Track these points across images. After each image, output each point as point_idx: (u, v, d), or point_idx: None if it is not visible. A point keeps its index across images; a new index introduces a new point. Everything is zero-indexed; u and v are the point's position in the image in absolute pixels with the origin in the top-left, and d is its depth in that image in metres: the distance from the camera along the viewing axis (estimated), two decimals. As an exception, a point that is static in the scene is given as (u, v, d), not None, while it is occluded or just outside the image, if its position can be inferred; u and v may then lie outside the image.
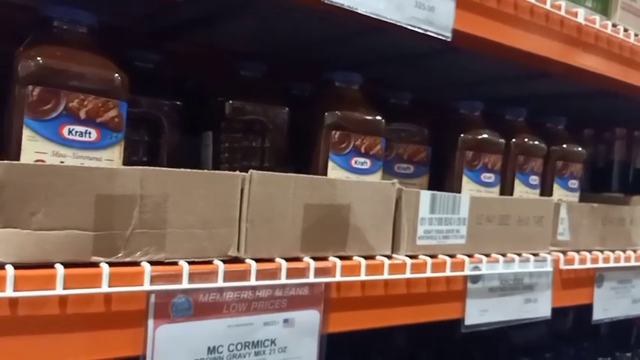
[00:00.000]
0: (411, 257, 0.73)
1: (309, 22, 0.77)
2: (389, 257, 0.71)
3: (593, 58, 0.92)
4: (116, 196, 0.52)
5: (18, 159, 0.52)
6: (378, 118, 0.77)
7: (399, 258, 0.72)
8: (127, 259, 0.53)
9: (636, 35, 0.96)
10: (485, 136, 0.90)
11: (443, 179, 0.89)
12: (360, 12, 0.65)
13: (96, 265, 0.52)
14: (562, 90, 1.12)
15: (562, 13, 0.85)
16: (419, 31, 0.70)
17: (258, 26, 0.83)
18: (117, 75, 0.55)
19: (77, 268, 0.50)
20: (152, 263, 0.54)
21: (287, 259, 0.62)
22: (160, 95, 0.69)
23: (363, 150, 0.75)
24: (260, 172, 0.61)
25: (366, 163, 0.75)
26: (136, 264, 0.54)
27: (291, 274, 0.61)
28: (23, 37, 0.57)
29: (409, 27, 0.69)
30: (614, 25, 0.93)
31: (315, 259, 0.64)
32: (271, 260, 0.62)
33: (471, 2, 0.75)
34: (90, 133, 0.53)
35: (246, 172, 0.60)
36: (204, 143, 0.72)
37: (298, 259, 0.64)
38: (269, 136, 0.72)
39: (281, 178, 0.62)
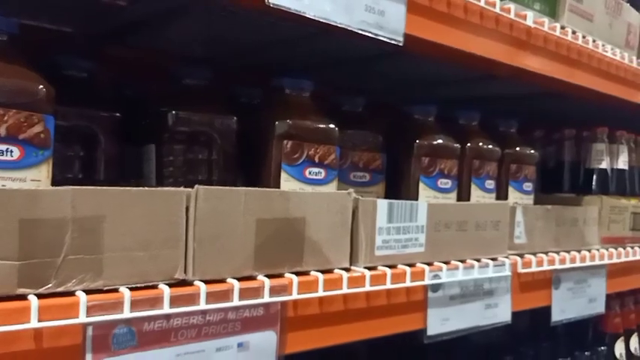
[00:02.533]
0: (370, 269, 0.70)
1: (257, 26, 0.74)
2: (347, 270, 0.69)
3: (543, 60, 0.92)
4: (44, 220, 0.47)
5: None
6: (331, 125, 0.74)
7: (358, 270, 0.70)
8: (59, 289, 0.48)
9: (584, 37, 0.97)
10: (440, 141, 0.89)
11: (399, 187, 0.87)
12: (308, 16, 0.62)
13: (23, 297, 0.46)
14: (513, 92, 1.13)
15: (511, 16, 0.85)
16: (370, 35, 0.68)
17: (205, 30, 0.79)
18: (41, 86, 0.50)
19: (1, 302, 0.45)
20: (88, 292, 0.49)
21: (239, 279, 0.58)
22: (97, 106, 0.64)
23: (316, 160, 0.72)
24: (206, 187, 0.57)
25: (321, 173, 0.72)
26: (70, 294, 0.49)
27: (244, 294, 0.58)
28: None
29: (360, 32, 0.67)
30: (562, 28, 0.94)
31: (269, 276, 0.61)
32: (222, 281, 0.58)
33: (421, 6, 0.74)
34: (11, 152, 0.48)
35: (192, 187, 0.56)
36: (146, 157, 0.67)
37: (252, 278, 0.60)
38: (216, 147, 0.68)
39: (230, 193, 0.59)
